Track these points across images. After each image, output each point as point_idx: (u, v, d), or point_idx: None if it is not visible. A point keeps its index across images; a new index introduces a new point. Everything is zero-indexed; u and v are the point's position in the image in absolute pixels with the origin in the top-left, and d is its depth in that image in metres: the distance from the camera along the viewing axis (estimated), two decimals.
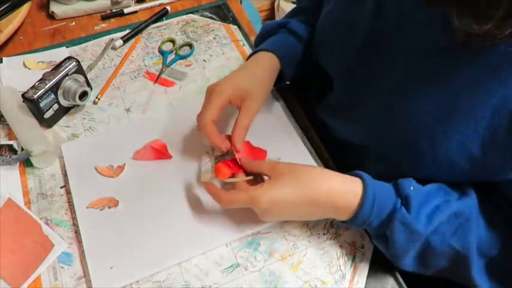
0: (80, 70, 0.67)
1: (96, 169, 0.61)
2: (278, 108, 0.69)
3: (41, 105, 0.63)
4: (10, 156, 0.62)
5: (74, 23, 0.85)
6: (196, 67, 0.76)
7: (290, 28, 0.66)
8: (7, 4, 0.79)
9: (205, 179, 0.58)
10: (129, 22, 0.85)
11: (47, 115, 0.65)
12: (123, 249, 0.54)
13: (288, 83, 0.74)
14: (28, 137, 0.62)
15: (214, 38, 0.81)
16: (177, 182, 0.60)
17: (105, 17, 0.85)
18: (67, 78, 0.65)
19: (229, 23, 0.84)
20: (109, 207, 0.58)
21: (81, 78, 0.68)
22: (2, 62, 0.76)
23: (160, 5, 0.87)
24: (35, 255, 0.54)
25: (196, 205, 0.58)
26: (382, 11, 0.50)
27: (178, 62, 0.77)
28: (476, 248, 0.46)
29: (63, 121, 0.68)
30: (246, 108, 0.56)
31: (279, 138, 0.65)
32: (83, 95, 0.67)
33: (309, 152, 0.63)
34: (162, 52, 0.78)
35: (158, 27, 0.83)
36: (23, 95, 0.63)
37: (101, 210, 0.57)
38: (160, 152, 0.62)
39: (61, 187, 0.61)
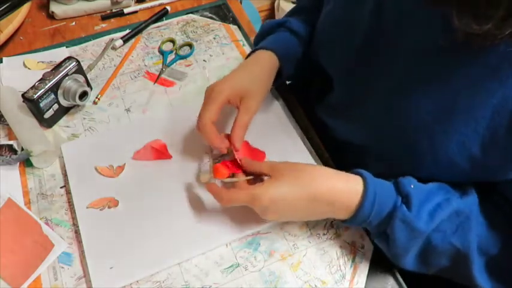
0: (80, 70, 0.67)
1: (96, 169, 0.61)
2: (278, 108, 0.69)
3: (41, 105, 0.63)
4: (10, 156, 0.62)
5: (74, 23, 0.85)
6: (196, 67, 0.76)
7: (289, 27, 0.66)
8: (7, 4, 0.79)
9: (204, 179, 0.58)
10: (129, 22, 0.85)
11: (47, 115, 0.65)
12: (123, 249, 0.54)
13: (287, 82, 0.74)
14: (28, 137, 0.62)
15: (214, 38, 0.81)
16: (177, 182, 0.60)
17: (105, 17, 0.85)
18: (67, 78, 0.65)
19: (229, 23, 0.84)
20: (109, 207, 0.58)
21: (81, 78, 0.68)
22: (2, 62, 0.76)
23: (160, 5, 0.87)
24: (35, 255, 0.54)
25: (196, 205, 0.58)
26: (382, 11, 0.50)
27: (178, 62, 0.77)
28: (476, 246, 0.46)
29: (63, 121, 0.68)
30: (245, 107, 0.56)
31: (279, 138, 0.65)
32: (83, 95, 0.67)
33: (309, 152, 0.63)
34: (162, 52, 0.78)
35: (158, 27, 0.83)
36: (23, 95, 0.63)
37: (101, 210, 0.57)
38: (160, 152, 0.62)
39: (61, 187, 0.61)
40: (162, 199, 0.58)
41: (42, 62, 0.77)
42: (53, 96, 0.64)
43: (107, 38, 0.81)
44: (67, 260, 0.54)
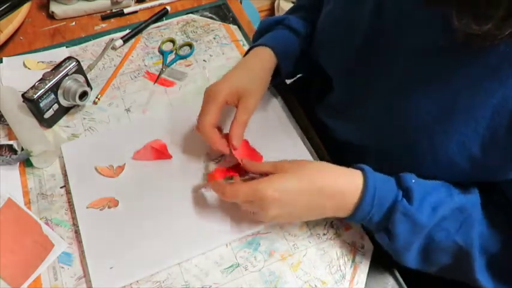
0: (80, 70, 0.67)
1: (96, 169, 0.61)
2: (278, 108, 0.69)
3: (41, 105, 0.63)
4: (10, 156, 0.62)
5: (74, 23, 0.85)
6: (196, 67, 0.76)
7: (288, 24, 0.66)
8: (7, 4, 0.79)
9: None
10: (129, 22, 0.85)
11: (47, 115, 0.65)
12: (123, 249, 0.54)
13: (287, 82, 0.74)
14: (28, 137, 0.62)
15: (214, 38, 0.81)
16: (177, 182, 0.60)
17: (105, 17, 0.85)
18: (67, 78, 0.65)
19: (229, 23, 0.84)
20: (109, 207, 0.58)
21: (81, 78, 0.68)
22: (2, 62, 0.76)
23: (160, 5, 0.87)
24: (35, 255, 0.54)
25: (196, 205, 0.58)
26: (382, 11, 0.50)
27: (178, 62, 0.77)
28: (478, 244, 0.46)
29: (63, 121, 0.68)
30: (243, 106, 0.56)
31: (279, 138, 0.65)
32: (83, 95, 0.67)
33: (309, 152, 0.63)
34: (162, 52, 0.78)
35: (158, 27, 0.83)
36: (23, 95, 0.63)
37: (101, 210, 0.57)
38: (160, 152, 0.62)
39: (61, 187, 0.61)
40: (162, 199, 0.58)
41: (42, 62, 0.77)
42: (53, 96, 0.64)
43: (107, 38, 0.81)
44: (67, 260, 0.54)
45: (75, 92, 0.65)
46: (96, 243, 0.54)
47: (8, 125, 0.66)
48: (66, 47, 0.79)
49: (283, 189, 0.47)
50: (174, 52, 0.78)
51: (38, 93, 0.62)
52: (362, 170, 0.49)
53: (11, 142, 0.64)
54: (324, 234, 0.57)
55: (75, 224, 0.57)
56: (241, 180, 0.54)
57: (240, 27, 0.83)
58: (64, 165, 0.62)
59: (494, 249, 0.46)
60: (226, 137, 0.57)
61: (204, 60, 0.77)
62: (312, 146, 0.65)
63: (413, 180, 0.47)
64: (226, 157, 0.62)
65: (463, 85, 0.42)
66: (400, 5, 0.48)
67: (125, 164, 0.62)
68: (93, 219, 0.56)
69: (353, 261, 0.55)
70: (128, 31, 0.81)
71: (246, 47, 0.80)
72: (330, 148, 0.65)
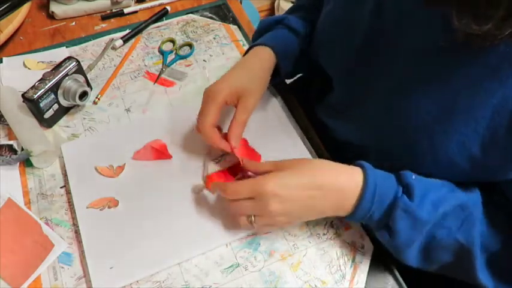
0: (80, 70, 0.67)
1: (96, 169, 0.61)
2: (278, 108, 0.69)
3: (41, 105, 0.63)
4: (10, 156, 0.62)
5: (74, 23, 0.85)
6: (196, 67, 0.76)
7: (287, 23, 0.66)
8: (7, 4, 0.79)
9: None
10: (129, 22, 0.85)
11: (47, 115, 0.65)
12: (123, 249, 0.54)
13: (287, 82, 0.74)
14: (28, 137, 0.62)
15: (214, 38, 0.81)
16: (177, 182, 0.60)
17: (105, 17, 0.85)
18: (67, 78, 0.65)
19: (229, 23, 0.84)
20: (109, 207, 0.58)
21: (81, 78, 0.68)
22: (2, 62, 0.76)
23: (160, 5, 0.87)
24: (35, 255, 0.54)
25: (196, 205, 0.58)
26: (382, 11, 0.50)
27: (178, 62, 0.77)
28: (479, 242, 0.46)
29: (63, 121, 0.68)
30: (243, 106, 0.57)
31: (279, 138, 0.65)
32: (83, 95, 0.67)
33: (309, 152, 0.63)
34: (162, 52, 0.78)
35: (158, 27, 0.83)
36: (23, 95, 0.63)
37: (101, 210, 0.57)
38: (160, 152, 0.62)
39: (61, 187, 0.61)
40: (162, 199, 0.58)
41: (42, 62, 0.77)
42: (53, 96, 0.64)
43: (107, 38, 0.81)
44: (67, 260, 0.54)
45: (75, 92, 0.65)
46: (96, 243, 0.54)
47: (8, 125, 0.66)
48: (66, 47, 0.79)
49: (284, 185, 0.47)
50: (174, 52, 0.78)
51: (38, 93, 0.62)
52: (362, 167, 0.49)
53: (11, 142, 0.64)
54: (324, 234, 0.57)
55: (75, 224, 0.57)
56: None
57: (240, 27, 0.83)
58: (64, 165, 0.62)
59: (495, 248, 0.46)
60: (226, 136, 0.57)
61: (204, 60, 0.77)
62: (312, 146, 0.65)
63: (413, 177, 0.47)
64: (226, 157, 0.62)
65: (463, 85, 0.42)
66: (400, 5, 0.48)
67: (124, 164, 0.62)
68: (93, 219, 0.56)
69: (353, 261, 0.55)
70: (128, 31, 0.81)
71: (246, 47, 0.79)
72: (330, 148, 0.65)
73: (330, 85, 0.62)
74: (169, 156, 0.63)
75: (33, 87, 0.63)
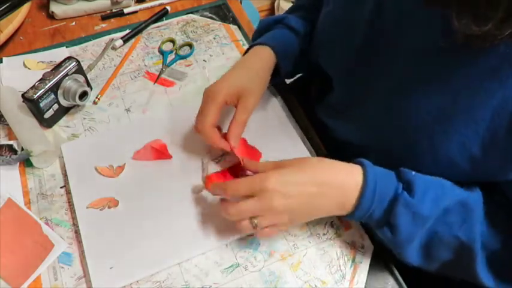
0: (80, 70, 0.67)
1: (96, 169, 0.61)
2: (278, 108, 0.69)
3: (41, 105, 0.63)
4: (10, 156, 0.62)
5: (74, 23, 0.85)
6: (196, 67, 0.76)
7: (287, 23, 0.66)
8: (7, 4, 0.79)
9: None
10: (129, 22, 0.85)
11: (47, 115, 0.65)
12: (123, 249, 0.54)
13: (287, 82, 0.74)
14: (28, 137, 0.62)
15: (214, 38, 0.81)
16: (177, 182, 0.60)
17: (105, 17, 0.85)
18: (67, 78, 0.65)
19: (229, 23, 0.84)
20: (109, 207, 0.58)
21: (81, 78, 0.68)
22: (2, 62, 0.76)
23: (160, 5, 0.87)
24: (35, 255, 0.54)
25: (196, 205, 0.58)
26: (382, 11, 0.50)
27: (178, 62, 0.77)
28: (480, 241, 0.46)
29: (63, 121, 0.68)
30: (243, 106, 0.57)
31: (279, 138, 0.65)
32: (83, 95, 0.67)
33: (309, 152, 0.63)
34: (162, 52, 0.78)
35: (158, 27, 0.83)
36: (23, 95, 0.63)
37: (101, 210, 0.57)
38: (160, 152, 0.62)
39: (61, 187, 0.61)
40: (162, 199, 0.58)
41: (42, 62, 0.77)
42: (53, 96, 0.64)
43: (107, 38, 0.81)
44: (67, 260, 0.54)
45: (75, 92, 0.65)
46: (96, 243, 0.54)
47: (8, 125, 0.66)
48: (66, 47, 0.79)
49: (285, 181, 0.47)
50: (174, 52, 0.78)
51: (38, 93, 0.62)
52: (362, 164, 0.49)
53: (11, 142, 0.64)
54: (324, 234, 0.57)
55: (75, 224, 0.57)
56: None
57: (240, 27, 0.83)
58: (64, 165, 0.62)
59: (495, 247, 0.46)
60: (225, 136, 0.57)
61: (204, 60, 0.77)
62: (312, 146, 0.65)
63: (413, 173, 0.47)
64: (226, 157, 0.62)
65: (463, 85, 0.42)
66: (400, 5, 0.48)
67: (124, 164, 0.62)
68: (93, 219, 0.56)
69: (353, 261, 0.55)
70: (128, 31, 0.81)
71: (246, 47, 0.79)
72: (330, 148, 0.65)
73: (330, 85, 0.62)
74: (169, 156, 0.63)
75: (33, 87, 0.63)
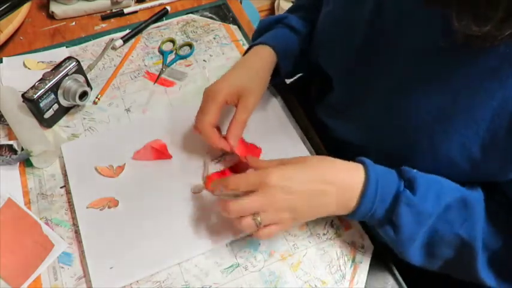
0: (80, 70, 0.67)
1: (96, 169, 0.61)
2: (278, 108, 0.69)
3: (41, 105, 0.63)
4: (10, 156, 0.62)
5: (74, 23, 0.85)
6: (196, 67, 0.76)
7: (287, 23, 0.66)
8: (7, 4, 0.79)
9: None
10: (129, 22, 0.85)
11: (47, 115, 0.65)
12: (123, 249, 0.54)
13: (287, 82, 0.74)
14: (28, 137, 0.62)
15: (214, 38, 0.81)
16: (177, 182, 0.60)
17: (105, 17, 0.85)
18: (67, 78, 0.65)
19: (229, 23, 0.84)
20: (109, 207, 0.58)
21: (81, 78, 0.68)
22: (2, 62, 0.76)
23: (160, 5, 0.87)
24: (35, 255, 0.54)
25: (196, 205, 0.58)
26: (382, 11, 0.50)
27: (178, 62, 0.77)
28: (481, 239, 0.46)
29: (63, 121, 0.68)
30: (243, 105, 0.56)
31: (279, 138, 0.65)
32: (83, 95, 0.67)
33: (309, 152, 0.63)
34: (162, 52, 0.78)
35: (158, 27, 0.83)
36: (23, 95, 0.63)
37: (101, 210, 0.57)
38: (160, 152, 0.62)
39: (61, 187, 0.61)
40: (162, 199, 0.58)
41: (42, 62, 0.77)
42: (53, 96, 0.64)
43: (107, 38, 0.81)
44: (67, 260, 0.54)
45: (75, 92, 0.65)
46: (96, 243, 0.54)
47: (8, 125, 0.66)
48: (66, 47, 0.79)
49: (287, 177, 0.47)
50: (174, 52, 0.78)
51: (38, 93, 0.62)
52: (363, 163, 0.49)
53: (11, 142, 0.64)
54: (324, 234, 0.57)
55: (75, 224, 0.57)
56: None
57: (240, 27, 0.83)
58: (64, 165, 0.62)
59: (495, 247, 0.46)
60: (225, 137, 0.57)
61: (204, 60, 0.77)
62: (312, 146, 0.65)
63: (414, 171, 0.47)
64: (226, 157, 0.62)
65: (463, 85, 0.42)
66: (400, 5, 0.48)
67: (124, 164, 0.62)
68: (93, 219, 0.56)
69: (353, 261, 0.55)
70: (128, 31, 0.81)
71: (246, 47, 0.79)
72: (330, 148, 0.65)
73: (330, 85, 0.62)
74: (169, 156, 0.63)
75: (33, 87, 0.63)
